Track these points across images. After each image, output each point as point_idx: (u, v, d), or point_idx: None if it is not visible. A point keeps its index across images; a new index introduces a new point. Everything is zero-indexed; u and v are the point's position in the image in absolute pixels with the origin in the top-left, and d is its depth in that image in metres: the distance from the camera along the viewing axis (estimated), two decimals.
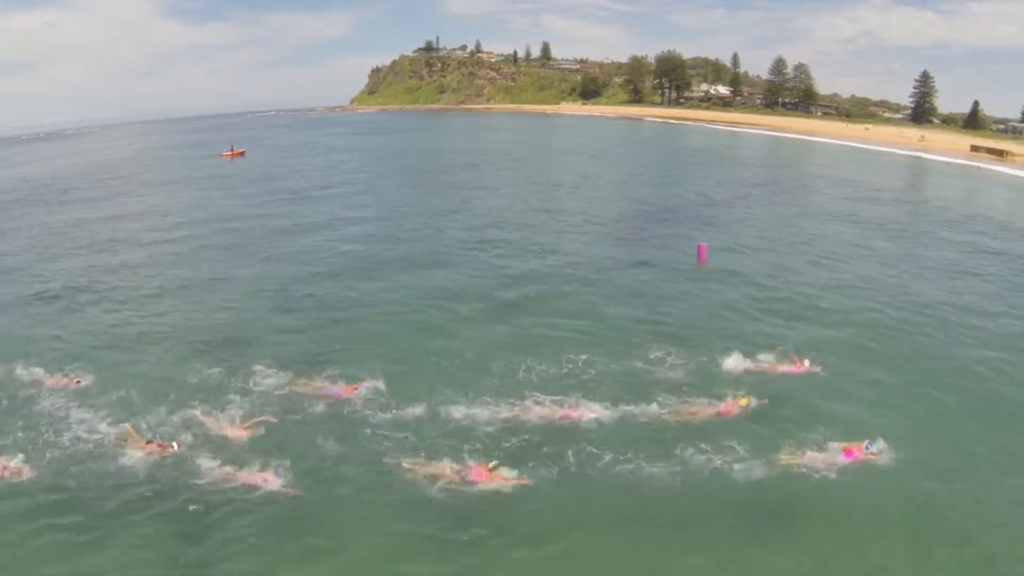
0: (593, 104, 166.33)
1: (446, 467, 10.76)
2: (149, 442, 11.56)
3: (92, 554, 9.34)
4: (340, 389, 13.42)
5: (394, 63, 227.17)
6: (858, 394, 13.47)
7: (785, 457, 10.90)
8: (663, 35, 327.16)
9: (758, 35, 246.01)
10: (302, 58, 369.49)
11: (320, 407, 12.89)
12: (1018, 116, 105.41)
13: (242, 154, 68.64)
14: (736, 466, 10.74)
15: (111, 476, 10.94)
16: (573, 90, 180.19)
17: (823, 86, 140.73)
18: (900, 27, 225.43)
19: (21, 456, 11.27)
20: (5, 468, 10.99)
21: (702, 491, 10.30)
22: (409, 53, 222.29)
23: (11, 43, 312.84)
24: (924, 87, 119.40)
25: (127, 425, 12.06)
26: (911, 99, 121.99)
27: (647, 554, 9.20)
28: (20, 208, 40.20)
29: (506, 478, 10.43)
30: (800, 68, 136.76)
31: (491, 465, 10.64)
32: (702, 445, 11.22)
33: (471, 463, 10.80)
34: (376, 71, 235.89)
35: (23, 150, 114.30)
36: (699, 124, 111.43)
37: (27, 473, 10.90)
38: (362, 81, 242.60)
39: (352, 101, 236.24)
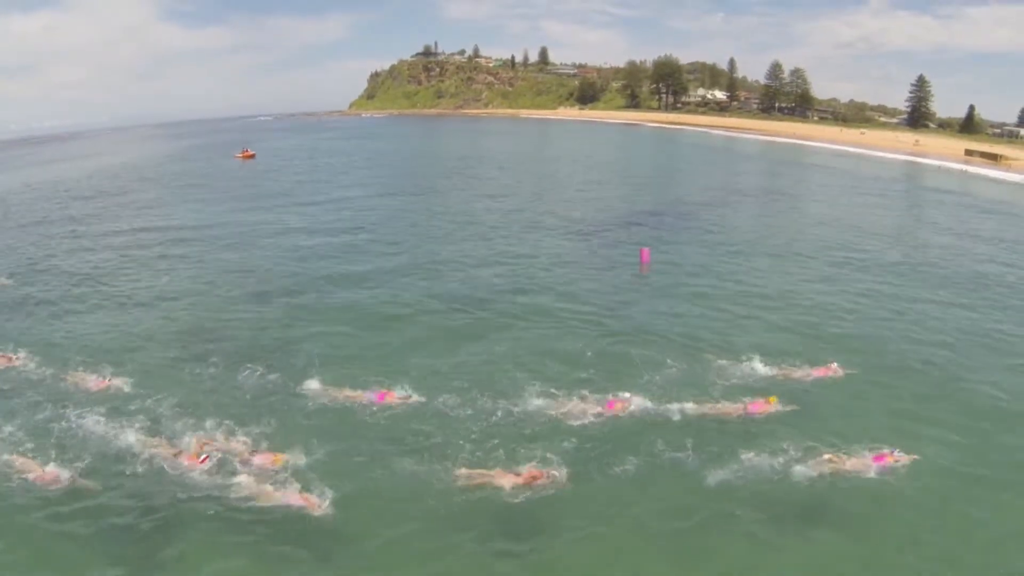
0: (591, 109, 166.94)
1: (496, 474, 10.72)
2: (179, 453, 11.34)
3: (114, 563, 9.19)
4: (377, 394, 13.45)
5: (393, 67, 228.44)
6: (884, 397, 13.63)
7: (815, 460, 11.07)
8: (662, 40, 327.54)
9: (756, 40, 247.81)
10: (301, 62, 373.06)
11: (356, 415, 12.88)
12: (1015, 120, 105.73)
13: (253, 156, 74.50)
14: (767, 466, 10.95)
15: (140, 485, 10.79)
16: (570, 95, 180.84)
17: (821, 91, 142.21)
18: (898, 32, 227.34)
19: (52, 462, 11.13)
20: (35, 471, 10.96)
21: (737, 488, 10.52)
22: (408, 58, 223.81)
23: (9, 46, 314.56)
24: (920, 91, 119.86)
25: (158, 437, 11.87)
26: (907, 103, 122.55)
27: (686, 551, 9.41)
28: (32, 213, 39.94)
29: (554, 477, 10.52)
30: (797, 72, 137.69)
31: (547, 470, 10.65)
32: (735, 443, 11.54)
33: (523, 467, 10.79)
34: (375, 75, 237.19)
35: (28, 151, 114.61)
36: (696, 129, 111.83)
37: (55, 479, 10.74)
38: (361, 85, 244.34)
39: (351, 105, 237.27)
